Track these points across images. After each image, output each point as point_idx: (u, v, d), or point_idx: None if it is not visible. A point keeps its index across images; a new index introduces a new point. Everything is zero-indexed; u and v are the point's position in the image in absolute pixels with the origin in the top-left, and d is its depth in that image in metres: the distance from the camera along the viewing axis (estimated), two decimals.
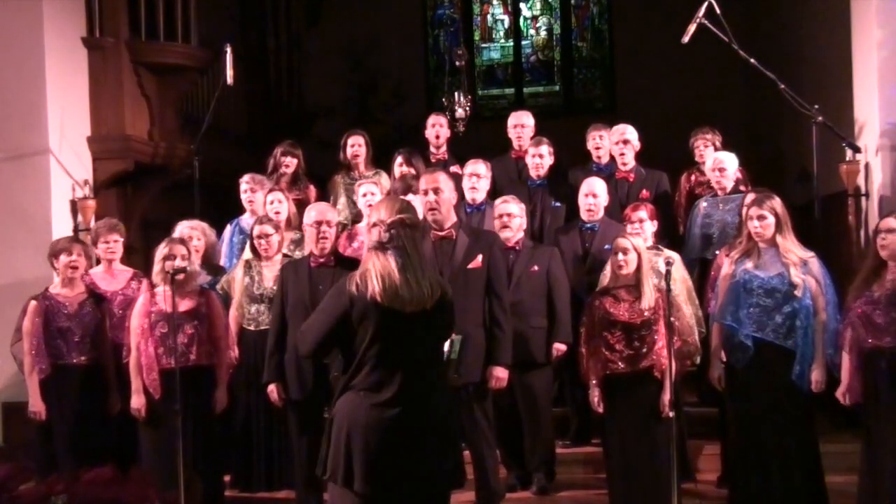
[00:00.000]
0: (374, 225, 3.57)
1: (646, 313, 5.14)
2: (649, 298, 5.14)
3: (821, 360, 5.06)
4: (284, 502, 5.88)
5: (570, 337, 5.83)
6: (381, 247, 3.53)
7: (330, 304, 3.62)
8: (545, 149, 6.77)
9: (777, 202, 5.18)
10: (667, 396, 4.97)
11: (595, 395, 5.23)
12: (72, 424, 5.59)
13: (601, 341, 5.20)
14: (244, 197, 6.78)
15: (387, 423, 3.50)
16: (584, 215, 6.29)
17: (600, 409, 5.24)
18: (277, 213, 6.43)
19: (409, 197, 5.87)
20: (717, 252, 6.03)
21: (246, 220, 6.73)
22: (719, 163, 6.39)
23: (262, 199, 6.62)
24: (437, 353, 3.67)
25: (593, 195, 6.24)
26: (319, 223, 5.22)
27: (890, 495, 4.82)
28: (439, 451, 3.58)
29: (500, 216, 5.88)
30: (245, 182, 6.79)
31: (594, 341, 5.24)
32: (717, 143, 6.82)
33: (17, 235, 7.04)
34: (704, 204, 6.46)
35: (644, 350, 5.14)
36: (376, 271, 3.51)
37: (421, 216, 5.65)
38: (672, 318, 5.03)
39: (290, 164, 7.15)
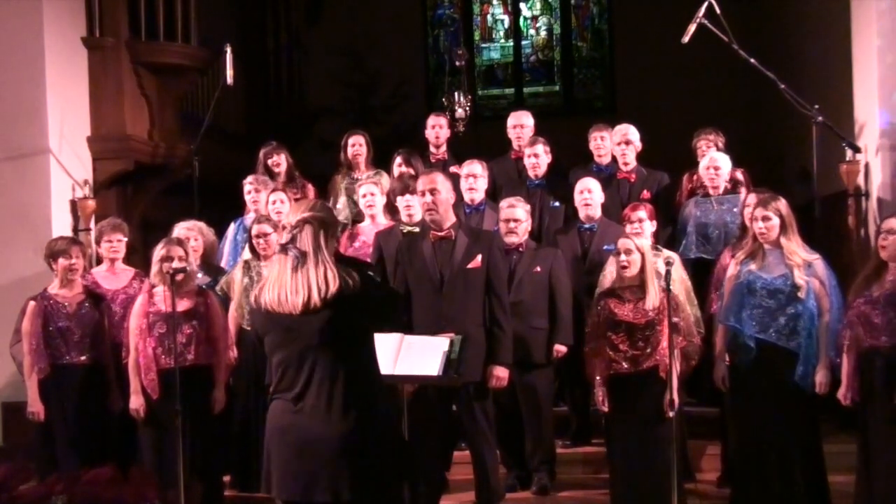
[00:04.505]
0: (283, 228, 3.53)
1: (650, 314, 5.14)
2: (654, 299, 5.14)
3: (824, 362, 5.07)
4: None
5: (571, 339, 5.84)
6: (282, 249, 3.48)
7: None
8: (540, 148, 6.77)
9: (782, 203, 5.19)
10: (671, 396, 4.96)
11: (600, 395, 5.24)
12: (72, 424, 5.60)
13: (605, 342, 5.20)
14: (248, 198, 6.79)
15: (290, 426, 3.45)
16: (581, 212, 6.29)
17: (605, 409, 5.24)
18: (279, 212, 6.43)
19: (408, 197, 5.89)
20: (719, 252, 6.04)
21: (250, 219, 6.72)
22: (714, 161, 6.40)
23: (266, 199, 6.63)
24: (352, 351, 3.47)
25: (588, 191, 6.25)
26: None
27: (885, 494, 4.83)
28: (330, 463, 3.40)
29: (507, 221, 5.85)
30: (249, 183, 6.81)
31: (598, 341, 5.24)
32: (720, 144, 6.81)
33: (17, 235, 7.02)
34: (693, 204, 6.46)
35: (648, 350, 5.13)
36: (271, 279, 3.48)
37: (418, 216, 5.68)
38: (676, 319, 5.04)
39: (280, 162, 7.15)
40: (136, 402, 5.44)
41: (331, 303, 3.39)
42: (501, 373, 5.23)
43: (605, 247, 6.09)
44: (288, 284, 3.42)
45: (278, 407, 3.52)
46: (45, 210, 7.13)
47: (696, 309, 5.68)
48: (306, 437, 3.43)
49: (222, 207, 7.29)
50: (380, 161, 7.36)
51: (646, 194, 6.63)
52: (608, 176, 6.73)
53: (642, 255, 5.20)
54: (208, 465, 5.53)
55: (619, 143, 6.80)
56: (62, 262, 5.68)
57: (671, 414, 4.90)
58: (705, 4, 6.21)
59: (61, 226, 7.12)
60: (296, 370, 3.47)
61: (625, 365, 5.16)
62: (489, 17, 13.10)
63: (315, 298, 3.39)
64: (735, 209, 6.27)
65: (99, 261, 6.24)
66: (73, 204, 7.34)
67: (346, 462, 3.40)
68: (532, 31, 13.01)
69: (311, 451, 3.42)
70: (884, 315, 4.83)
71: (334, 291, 3.39)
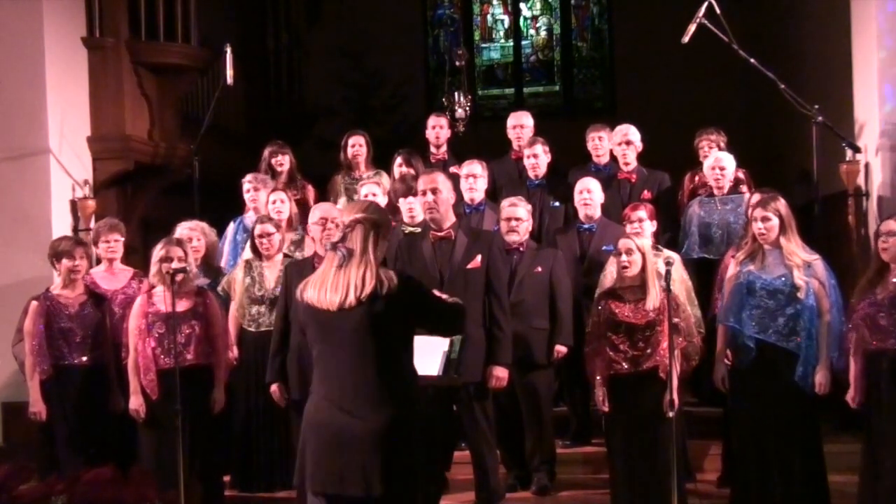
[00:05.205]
0: (336, 226, 3.64)
1: (651, 314, 5.13)
2: (654, 299, 5.13)
3: (825, 362, 5.07)
4: (284, 502, 5.88)
5: (571, 339, 5.84)
6: (332, 247, 3.58)
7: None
8: (539, 148, 6.77)
9: (782, 203, 5.18)
10: (671, 397, 4.96)
11: (600, 395, 5.24)
12: (73, 425, 5.59)
13: (606, 342, 5.20)
14: (247, 196, 6.79)
15: (325, 421, 3.53)
16: (580, 212, 6.29)
17: (605, 409, 5.24)
18: (279, 212, 6.44)
19: (410, 200, 5.89)
20: (722, 252, 6.04)
21: (250, 218, 6.73)
22: (719, 161, 6.40)
23: (265, 199, 6.63)
24: (386, 349, 3.54)
25: (588, 191, 6.25)
26: (325, 220, 5.26)
27: (890, 496, 4.83)
28: (362, 457, 3.48)
29: (508, 219, 5.86)
30: (248, 181, 6.81)
31: (599, 342, 5.24)
32: (722, 144, 6.81)
33: (17, 235, 7.03)
34: (697, 204, 6.46)
35: (648, 351, 5.13)
36: (316, 275, 3.59)
37: (420, 217, 5.69)
38: (677, 319, 5.03)
39: (283, 162, 7.16)
40: (135, 403, 5.44)
41: (365, 302, 3.48)
42: (501, 373, 5.23)
43: (603, 247, 6.10)
44: (329, 281, 3.53)
45: (314, 402, 3.60)
46: (45, 210, 7.14)
47: (696, 309, 5.68)
48: (340, 431, 3.50)
49: (222, 207, 7.29)
50: (380, 161, 7.36)
51: (647, 194, 6.63)
52: (608, 176, 6.73)
53: (643, 255, 5.20)
54: (208, 465, 5.53)
55: (619, 143, 6.80)
56: (66, 262, 5.67)
57: (671, 414, 4.89)
58: (705, 4, 6.21)
59: (61, 226, 7.13)
60: (332, 366, 3.55)
61: (625, 365, 5.16)
62: (489, 17, 13.11)
63: (351, 298, 3.48)
64: (738, 209, 6.27)
65: (100, 261, 6.24)
66: (73, 204, 7.35)
67: (379, 457, 3.47)
68: (532, 31, 13.01)
69: (344, 445, 3.49)
70: (889, 317, 4.84)
71: (369, 291, 3.47)
